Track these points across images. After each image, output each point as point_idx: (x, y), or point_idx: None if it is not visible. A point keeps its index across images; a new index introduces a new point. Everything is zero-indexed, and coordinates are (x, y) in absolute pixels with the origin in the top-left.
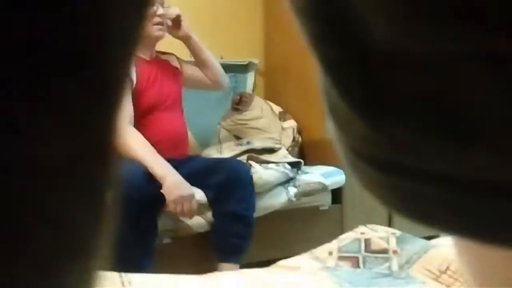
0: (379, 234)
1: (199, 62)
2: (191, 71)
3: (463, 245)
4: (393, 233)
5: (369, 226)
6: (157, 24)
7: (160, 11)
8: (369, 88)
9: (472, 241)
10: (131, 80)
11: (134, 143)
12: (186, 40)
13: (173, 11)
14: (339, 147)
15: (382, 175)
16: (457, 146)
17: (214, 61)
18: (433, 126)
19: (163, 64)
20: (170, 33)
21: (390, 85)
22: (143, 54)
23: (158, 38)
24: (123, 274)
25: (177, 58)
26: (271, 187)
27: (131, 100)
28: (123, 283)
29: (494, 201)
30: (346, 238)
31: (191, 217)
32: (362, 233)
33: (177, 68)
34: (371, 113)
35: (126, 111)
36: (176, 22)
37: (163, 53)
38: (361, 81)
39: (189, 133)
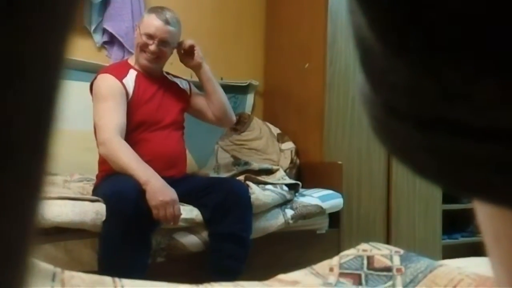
0: (382, 252)
1: (206, 93)
2: (199, 101)
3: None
4: (396, 251)
5: (372, 243)
6: (146, 53)
7: (153, 47)
8: (416, 24)
9: None
10: (127, 93)
11: (119, 152)
12: (197, 70)
13: (188, 42)
14: (368, 110)
15: (422, 134)
16: None
17: (222, 97)
18: (493, 66)
19: (168, 85)
20: (183, 61)
21: (439, 15)
22: (143, 70)
23: (145, 66)
24: (116, 278)
25: (191, 85)
26: (268, 209)
27: (126, 113)
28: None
29: None
30: (348, 254)
31: (175, 223)
32: (365, 250)
33: (184, 91)
34: (417, 53)
35: (119, 120)
36: (189, 52)
37: (175, 76)
38: (406, 16)
39: (187, 153)
